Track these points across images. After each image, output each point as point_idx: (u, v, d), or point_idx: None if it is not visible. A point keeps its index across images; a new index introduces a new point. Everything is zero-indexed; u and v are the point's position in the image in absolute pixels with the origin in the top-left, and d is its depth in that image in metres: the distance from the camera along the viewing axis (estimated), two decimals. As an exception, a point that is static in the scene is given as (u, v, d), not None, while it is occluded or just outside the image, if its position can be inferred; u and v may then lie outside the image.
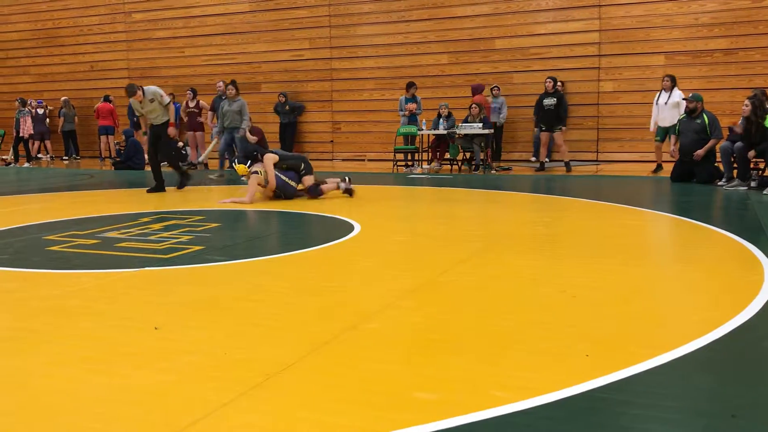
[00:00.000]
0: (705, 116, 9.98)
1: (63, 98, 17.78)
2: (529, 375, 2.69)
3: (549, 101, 12.12)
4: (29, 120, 17.01)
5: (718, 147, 9.90)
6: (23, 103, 17.32)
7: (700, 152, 9.79)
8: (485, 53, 14.70)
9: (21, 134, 17.08)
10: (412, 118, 13.63)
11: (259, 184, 8.38)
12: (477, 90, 13.42)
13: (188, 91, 14.73)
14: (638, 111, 13.58)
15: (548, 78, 12.34)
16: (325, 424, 2.29)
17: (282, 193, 8.49)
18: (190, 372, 2.77)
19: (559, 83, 12.99)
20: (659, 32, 13.39)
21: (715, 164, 10.14)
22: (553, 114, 12.09)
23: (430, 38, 15.12)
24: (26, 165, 16.67)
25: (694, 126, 9.99)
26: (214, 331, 3.31)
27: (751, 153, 9.03)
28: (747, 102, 9.23)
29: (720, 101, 12.49)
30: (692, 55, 13.21)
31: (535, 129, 12.45)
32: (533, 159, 14.23)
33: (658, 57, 13.44)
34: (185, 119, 14.78)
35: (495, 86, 14.00)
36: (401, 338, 3.20)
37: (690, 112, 10.09)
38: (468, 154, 13.02)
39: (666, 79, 11.15)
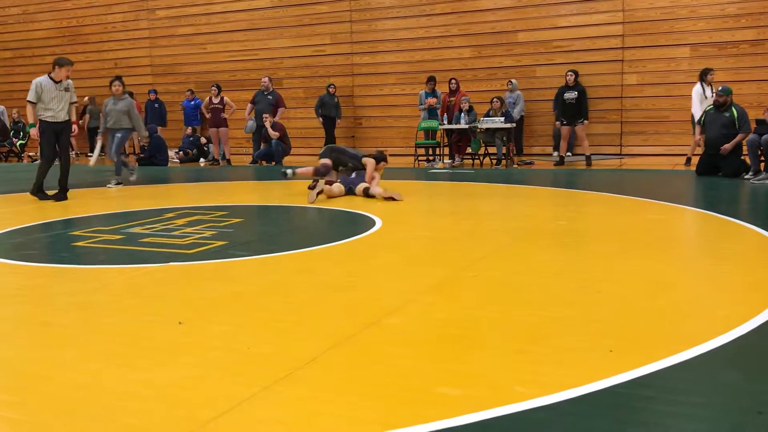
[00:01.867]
0: (734, 110, 9.79)
1: (88, 96, 17.97)
2: (553, 370, 2.67)
3: (570, 95, 12.03)
4: None
5: (744, 141, 9.74)
6: None
7: (727, 146, 9.63)
8: (508, 47, 14.60)
9: None
10: (433, 113, 13.60)
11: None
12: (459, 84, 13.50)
13: (212, 87, 14.80)
14: (663, 104, 13.41)
15: (569, 71, 12.22)
16: (347, 419, 2.30)
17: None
18: (214, 366, 2.79)
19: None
20: (684, 24, 13.20)
21: (742, 158, 9.99)
22: (574, 108, 11.99)
23: (453, 32, 15.04)
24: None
25: (723, 119, 9.81)
26: (237, 326, 3.34)
27: None
28: None
29: (747, 93, 12.29)
30: (718, 46, 13.01)
31: (557, 123, 12.38)
32: (554, 153, 14.13)
33: (683, 49, 13.25)
34: (207, 115, 14.85)
35: (510, 80, 13.91)
36: (424, 333, 3.20)
37: (719, 106, 9.93)
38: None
39: (712, 73, 10.88)
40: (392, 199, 7.80)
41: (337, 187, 8.23)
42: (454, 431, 2.20)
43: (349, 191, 8.30)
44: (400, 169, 12.67)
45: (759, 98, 12.11)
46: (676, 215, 6.68)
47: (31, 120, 8.55)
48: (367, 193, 8.09)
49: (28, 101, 8.42)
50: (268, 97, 13.85)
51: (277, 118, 13.72)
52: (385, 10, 15.60)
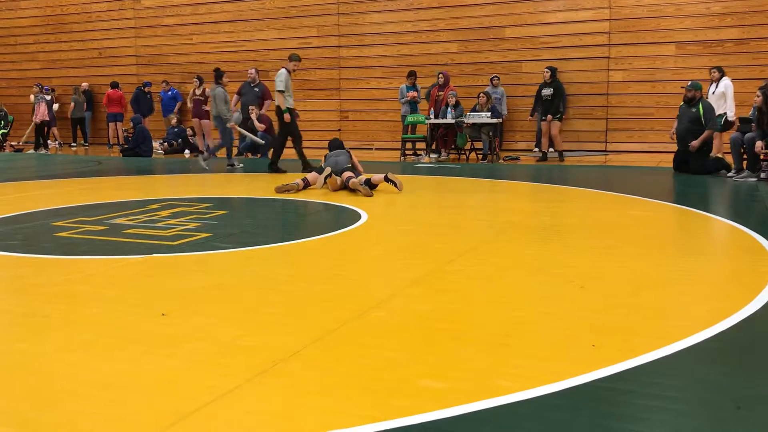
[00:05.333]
0: (701, 106, 9.85)
1: (84, 84, 17.82)
2: (535, 365, 2.69)
3: (546, 91, 12.18)
4: (43, 106, 16.95)
5: (728, 138, 9.81)
6: (41, 89, 17.29)
7: (695, 143, 9.71)
8: (495, 42, 14.62)
9: (36, 120, 17.03)
10: (413, 106, 13.59)
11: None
12: (448, 78, 13.47)
13: (194, 79, 14.68)
14: (648, 101, 13.48)
15: (546, 68, 12.35)
16: (331, 411, 2.30)
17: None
18: (197, 358, 2.78)
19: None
20: (670, 21, 13.27)
21: (719, 157, 10.07)
22: (549, 104, 12.13)
23: (440, 26, 15.04)
24: (42, 151, 16.60)
25: (690, 114, 9.88)
26: (220, 318, 3.33)
27: (759, 144, 8.92)
28: (758, 93, 9.15)
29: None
30: (703, 44, 13.10)
31: (531, 117, 12.52)
32: (535, 149, 14.18)
33: (669, 47, 13.33)
34: (190, 107, 14.76)
35: (494, 76, 13.92)
36: (408, 327, 3.21)
37: (688, 101, 10.02)
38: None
39: (713, 70, 10.80)
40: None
41: (340, 180, 8.24)
42: (438, 424, 2.21)
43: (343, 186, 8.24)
44: (386, 163, 12.67)
45: (743, 96, 12.18)
46: (659, 212, 6.73)
47: (283, 107, 10.05)
48: (347, 184, 8.07)
49: (279, 90, 9.95)
50: (255, 89, 13.76)
51: (263, 111, 13.65)
52: (373, 3, 15.56)
